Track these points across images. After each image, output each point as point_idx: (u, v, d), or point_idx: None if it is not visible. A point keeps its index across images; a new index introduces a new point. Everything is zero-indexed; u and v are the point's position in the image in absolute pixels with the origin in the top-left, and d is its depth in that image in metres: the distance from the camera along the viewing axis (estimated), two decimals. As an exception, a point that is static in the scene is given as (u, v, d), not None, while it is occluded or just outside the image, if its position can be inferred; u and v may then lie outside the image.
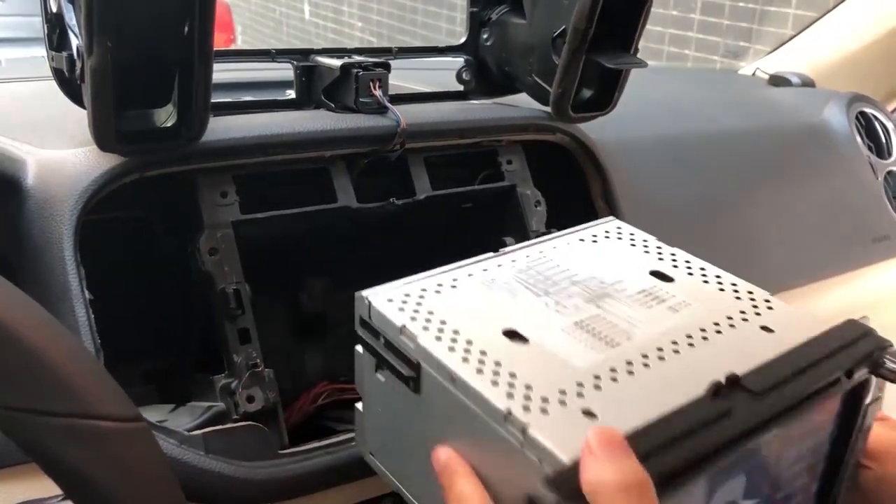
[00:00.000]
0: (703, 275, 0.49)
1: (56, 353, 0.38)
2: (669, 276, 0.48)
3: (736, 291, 0.47)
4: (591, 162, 0.77)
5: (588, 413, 0.36)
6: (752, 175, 0.97)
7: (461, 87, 0.79)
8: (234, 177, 0.61)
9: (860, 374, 0.40)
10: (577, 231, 0.53)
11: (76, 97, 0.57)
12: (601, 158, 0.77)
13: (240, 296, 0.58)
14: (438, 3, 3.82)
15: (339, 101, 0.69)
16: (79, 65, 0.53)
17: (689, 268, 0.49)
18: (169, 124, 0.56)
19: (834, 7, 1.30)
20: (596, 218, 0.77)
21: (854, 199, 1.06)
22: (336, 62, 0.68)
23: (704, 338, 0.42)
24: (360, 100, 0.67)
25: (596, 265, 0.49)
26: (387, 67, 0.68)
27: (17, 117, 0.71)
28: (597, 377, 0.39)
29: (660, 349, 0.41)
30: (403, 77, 0.78)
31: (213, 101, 0.56)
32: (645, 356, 0.40)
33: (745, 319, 0.44)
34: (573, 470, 0.33)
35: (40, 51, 0.59)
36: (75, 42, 0.53)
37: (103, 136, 0.54)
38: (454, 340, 0.41)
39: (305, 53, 0.71)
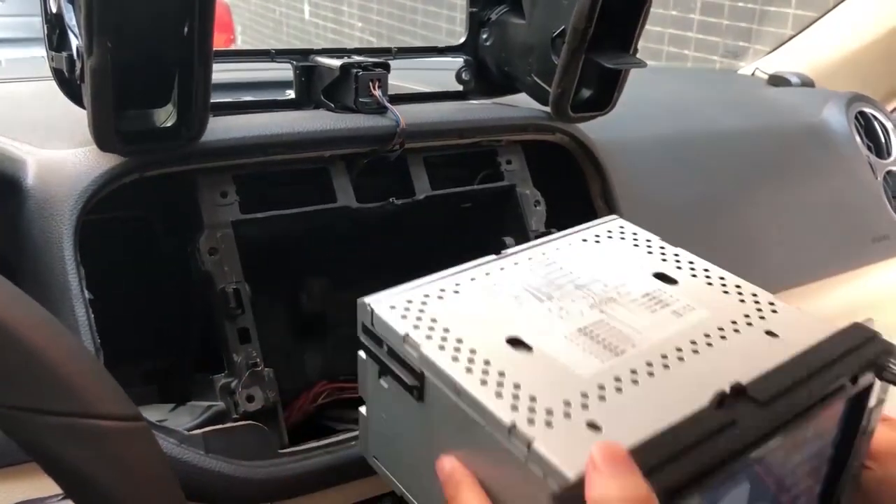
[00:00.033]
0: (707, 276, 0.48)
1: (56, 352, 0.38)
2: (673, 279, 0.48)
3: (740, 294, 0.47)
4: (590, 162, 0.77)
5: (593, 425, 0.36)
6: (752, 175, 0.98)
7: (461, 87, 0.79)
8: (233, 177, 0.61)
9: (865, 380, 0.40)
10: (579, 231, 0.53)
11: (76, 97, 0.57)
12: (600, 158, 0.77)
13: (239, 295, 0.58)
14: (438, 4, 3.82)
15: (338, 101, 0.69)
16: (78, 65, 0.53)
17: (692, 269, 0.49)
18: (169, 124, 0.56)
19: (833, 7, 1.30)
20: (595, 218, 0.77)
21: (853, 198, 1.06)
22: (336, 62, 0.68)
23: (709, 344, 0.42)
24: (360, 100, 0.67)
25: (599, 267, 0.48)
26: (386, 67, 0.68)
27: (17, 117, 0.71)
28: (601, 387, 0.38)
29: (664, 356, 0.41)
30: (403, 77, 0.79)
31: (212, 101, 0.56)
32: (649, 364, 0.40)
33: (749, 324, 0.44)
34: (578, 486, 0.33)
35: (40, 51, 0.59)
36: (75, 42, 0.53)
37: (103, 136, 0.54)
38: (457, 349, 0.40)
39: (305, 53, 0.71)
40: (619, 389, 0.38)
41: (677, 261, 0.50)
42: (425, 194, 0.69)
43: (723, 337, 0.43)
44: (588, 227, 0.53)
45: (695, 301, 0.45)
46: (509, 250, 0.49)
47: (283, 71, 0.72)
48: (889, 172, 1.12)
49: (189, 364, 0.65)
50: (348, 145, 0.65)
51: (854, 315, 1.01)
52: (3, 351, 0.36)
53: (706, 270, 0.49)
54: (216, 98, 0.58)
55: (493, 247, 0.73)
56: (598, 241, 0.51)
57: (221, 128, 0.60)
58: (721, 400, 0.36)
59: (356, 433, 0.59)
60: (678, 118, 1.01)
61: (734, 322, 0.44)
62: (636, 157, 0.85)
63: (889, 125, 1.16)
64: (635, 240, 0.52)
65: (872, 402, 0.41)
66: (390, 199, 0.67)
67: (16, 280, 0.40)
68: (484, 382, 0.38)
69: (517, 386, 0.38)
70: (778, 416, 0.36)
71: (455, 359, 0.40)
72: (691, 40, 2.75)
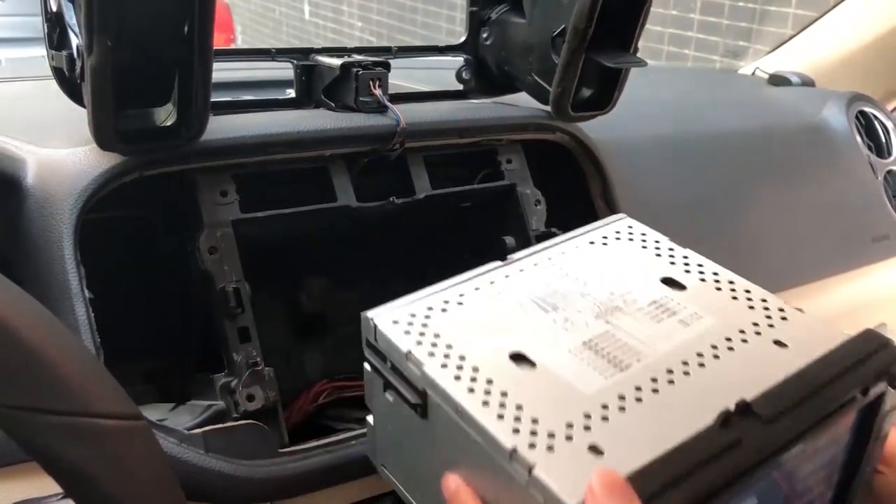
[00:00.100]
0: (716, 281, 0.47)
1: (56, 351, 0.38)
2: (681, 284, 0.47)
3: (749, 300, 0.45)
4: (590, 161, 0.77)
5: (594, 449, 0.36)
6: (752, 175, 0.98)
7: (461, 87, 0.79)
8: (233, 176, 0.61)
9: (877, 389, 0.39)
10: (587, 232, 0.51)
11: (76, 96, 0.57)
12: (601, 158, 0.77)
13: (239, 294, 0.58)
14: (438, 3, 3.82)
15: (338, 100, 0.69)
16: (79, 64, 0.53)
17: (701, 273, 0.48)
18: (169, 123, 0.56)
19: (834, 6, 1.30)
20: (595, 218, 0.77)
21: (854, 198, 1.06)
22: (336, 61, 0.68)
23: (716, 356, 0.41)
24: (360, 99, 0.67)
25: (606, 273, 0.47)
26: (386, 67, 0.68)
27: (17, 116, 0.71)
28: (604, 406, 0.38)
29: (669, 371, 0.40)
30: (403, 76, 0.78)
31: (212, 100, 0.56)
32: (654, 380, 0.39)
33: (757, 333, 0.43)
34: None
35: (40, 50, 0.59)
36: (75, 41, 0.53)
37: (103, 135, 0.54)
38: (460, 367, 0.40)
39: (305, 52, 0.71)
40: (622, 409, 0.38)
41: (686, 264, 0.48)
42: (425, 193, 0.69)
43: (730, 348, 0.42)
44: (595, 228, 0.52)
45: (703, 308, 0.45)
46: (515, 255, 0.49)
47: (284, 70, 0.72)
48: (889, 172, 1.12)
49: (189, 363, 0.65)
50: (348, 144, 0.65)
51: (855, 315, 1.01)
52: (3, 350, 0.36)
53: (715, 274, 0.48)
54: (216, 97, 0.58)
55: (494, 246, 0.73)
56: (605, 244, 0.50)
57: (221, 127, 0.60)
58: (726, 419, 0.35)
59: (356, 433, 0.59)
60: (678, 118, 1.01)
61: (742, 331, 0.43)
62: (636, 157, 0.85)
63: (889, 125, 1.16)
64: (643, 241, 0.51)
65: (886, 408, 0.40)
66: (390, 199, 0.67)
67: (16, 279, 0.40)
68: (486, 403, 0.38)
69: (519, 407, 0.38)
70: (784, 434, 0.35)
71: (457, 377, 0.39)
72: (691, 40, 2.75)
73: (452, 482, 0.40)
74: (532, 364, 0.40)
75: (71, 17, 0.54)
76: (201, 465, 0.52)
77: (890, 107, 1.25)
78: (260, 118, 0.65)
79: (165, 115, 0.56)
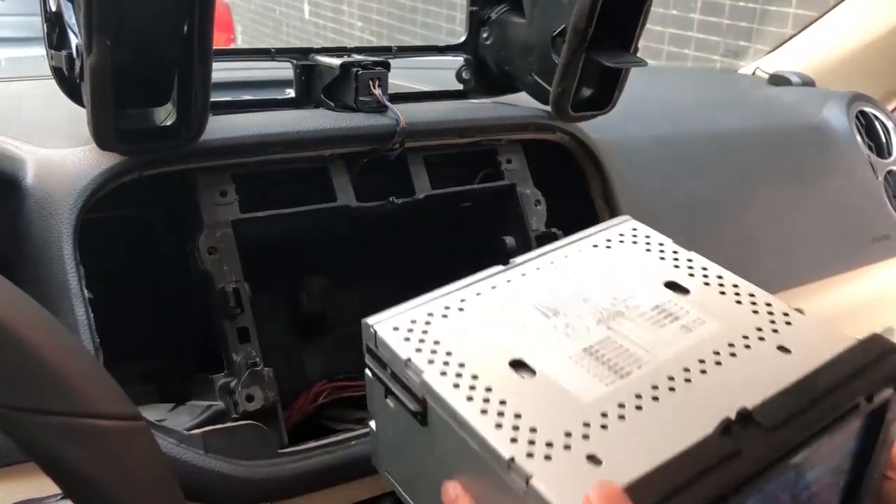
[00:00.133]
0: (721, 284, 0.46)
1: (55, 351, 0.38)
2: (685, 288, 0.46)
3: (754, 304, 0.45)
4: (590, 161, 0.77)
5: (593, 458, 0.36)
6: (752, 174, 0.97)
7: (461, 87, 0.79)
8: (233, 176, 0.61)
9: (883, 396, 0.38)
10: (591, 235, 0.51)
11: (75, 96, 0.57)
12: (601, 158, 0.77)
13: (239, 295, 0.58)
14: (438, 3, 3.82)
15: (338, 100, 0.69)
16: (78, 63, 0.53)
17: (705, 276, 0.47)
18: (168, 123, 0.56)
19: (834, 6, 1.30)
20: (595, 218, 0.77)
21: (854, 198, 1.06)
22: (335, 61, 0.68)
23: (718, 363, 0.41)
24: (360, 99, 0.67)
25: (609, 277, 0.47)
26: (386, 66, 0.68)
27: (16, 116, 0.71)
28: (604, 415, 0.38)
29: (671, 378, 0.40)
30: (403, 76, 0.78)
31: (212, 100, 0.56)
32: (654, 387, 0.39)
33: (761, 338, 0.42)
34: None
35: (40, 50, 0.58)
36: (75, 41, 0.53)
37: (102, 135, 0.53)
38: (459, 375, 0.40)
39: (305, 52, 0.71)
40: (621, 417, 0.38)
41: (690, 267, 0.48)
42: (425, 193, 0.69)
43: (733, 354, 0.41)
44: (599, 231, 0.51)
45: (706, 313, 0.44)
46: (518, 259, 0.48)
47: (283, 70, 0.72)
48: (890, 172, 1.12)
49: (188, 363, 0.65)
50: (348, 144, 0.65)
51: (855, 315, 1.01)
52: (3, 350, 0.36)
53: (720, 277, 0.47)
54: (216, 97, 0.58)
55: (494, 246, 0.73)
56: (609, 247, 0.50)
57: (221, 127, 0.60)
58: (726, 427, 0.35)
59: (356, 433, 0.59)
60: (679, 118, 1.01)
61: (746, 337, 0.42)
62: (637, 157, 0.85)
63: (890, 125, 1.16)
64: (647, 244, 0.50)
65: (892, 413, 0.39)
66: (390, 199, 0.67)
67: (15, 279, 0.40)
68: (484, 412, 0.38)
69: (518, 415, 0.37)
70: (786, 444, 0.35)
71: (456, 385, 0.39)
72: (692, 40, 2.75)
73: (452, 489, 0.40)
74: (532, 371, 0.40)
75: (70, 17, 0.54)
76: (200, 466, 0.52)
77: (890, 107, 1.25)
78: (259, 118, 0.65)
79: (165, 115, 0.56)
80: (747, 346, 0.42)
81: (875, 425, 0.39)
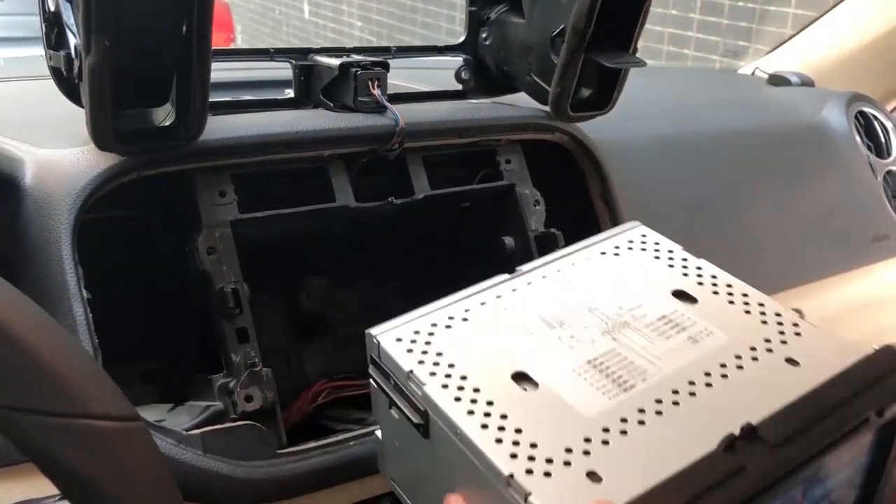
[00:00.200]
0: (730, 293, 0.46)
1: (53, 352, 0.38)
2: (693, 297, 0.46)
3: (763, 314, 0.44)
4: (590, 161, 0.77)
5: (593, 475, 0.35)
6: (752, 175, 0.97)
7: (460, 87, 0.79)
8: (232, 176, 0.61)
9: (894, 410, 0.37)
10: (599, 241, 0.50)
11: (74, 96, 0.57)
12: (600, 158, 0.77)
13: (238, 295, 0.58)
14: (438, 3, 3.82)
15: (337, 100, 0.69)
16: (77, 64, 0.53)
17: (714, 285, 0.46)
18: (167, 123, 0.56)
19: (833, 6, 1.30)
20: (595, 218, 0.77)
21: (853, 198, 1.06)
22: (335, 61, 0.68)
23: (724, 375, 0.40)
24: (359, 99, 0.67)
25: (615, 285, 0.46)
26: (385, 67, 0.68)
27: (15, 116, 0.71)
28: (605, 429, 0.37)
29: (675, 391, 0.39)
30: (402, 76, 0.78)
31: (211, 100, 0.56)
32: (658, 401, 0.39)
33: (769, 350, 0.42)
34: None
35: (38, 50, 0.58)
36: (73, 41, 0.53)
37: (101, 136, 0.53)
38: (461, 388, 0.40)
39: (304, 52, 0.70)
40: (623, 432, 0.37)
41: (699, 275, 0.47)
42: (424, 194, 0.69)
43: (739, 367, 0.41)
44: (608, 237, 0.51)
45: (714, 324, 0.43)
46: (524, 267, 0.48)
47: (283, 70, 0.72)
48: (889, 172, 1.12)
49: (187, 364, 0.65)
50: (347, 144, 0.65)
51: (855, 315, 1.01)
52: (1, 351, 0.36)
53: (729, 286, 0.46)
54: (215, 97, 0.58)
55: (493, 247, 0.73)
56: (616, 254, 0.49)
57: (220, 127, 0.60)
58: (730, 443, 0.34)
59: (355, 433, 0.59)
60: (678, 118, 1.00)
61: (753, 348, 0.42)
62: (636, 157, 0.85)
63: (889, 125, 1.16)
64: (657, 251, 0.49)
65: None
66: (389, 199, 0.67)
67: (13, 280, 0.40)
68: (485, 427, 0.38)
69: (519, 430, 0.37)
70: (791, 460, 0.34)
71: (458, 399, 0.39)
72: (691, 40, 2.75)
73: (454, 502, 0.39)
74: (534, 384, 0.40)
75: (69, 17, 0.54)
76: (199, 466, 0.52)
77: (889, 107, 1.25)
78: (258, 118, 0.65)
79: (164, 115, 0.56)
80: (755, 359, 0.41)
81: (887, 440, 0.39)
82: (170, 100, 0.56)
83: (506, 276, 0.47)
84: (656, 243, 0.50)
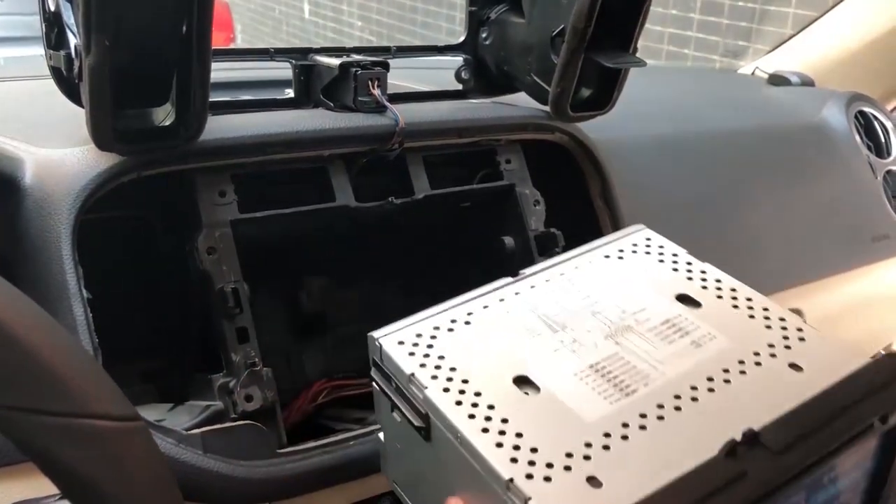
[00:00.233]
0: (734, 298, 0.46)
1: (54, 352, 0.38)
2: (697, 301, 0.45)
3: (767, 319, 0.44)
4: (590, 161, 0.77)
5: (593, 480, 0.35)
6: (751, 174, 0.97)
7: (460, 87, 0.79)
8: (232, 176, 0.61)
9: None
10: (603, 245, 0.50)
11: (74, 96, 0.57)
12: (600, 158, 0.77)
13: (238, 295, 0.58)
14: (438, 3, 3.82)
15: (337, 100, 0.69)
16: (77, 63, 0.53)
17: (718, 289, 0.46)
18: (167, 123, 0.56)
19: (833, 6, 1.30)
20: (594, 218, 0.77)
21: (853, 198, 1.06)
22: (335, 61, 0.68)
23: (726, 380, 0.40)
24: (359, 99, 0.67)
25: (619, 289, 0.46)
26: (385, 66, 0.68)
27: (15, 116, 0.71)
28: (607, 434, 0.37)
29: (677, 396, 0.39)
30: (402, 76, 0.78)
31: (211, 99, 0.56)
32: (660, 406, 0.39)
33: (773, 355, 0.42)
34: None
35: (38, 50, 0.58)
36: (73, 41, 0.53)
37: (101, 135, 0.53)
38: (462, 392, 0.40)
39: (304, 52, 0.70)
40: (625, 437, 0.37)
41: (703, 279, 0.47)
42: (424, 193, 0.69)
43: (742, 372, 0.41)
44: (612, 241, 0.50)
45: (717, 328, 0.43)
46: (528, 270, 0.48)
47: (283, 70, 0.72)
48: (889, 172, 1.12)
49: (187, 363, 0.65)
50: (347, 144, 0.65)
51: (854, 314, 1.01)
52: (1, 351, 0.36)
53: (733, 290, 0.46)
54: (215, 97, 0.58)
55: (493, 246, 0.73)
56: (621, 258, 0.49)
57: (220, 127, 0.60)
58: (731, 449, 0.34)
59: (355, 433, 0.59)
60: (678, 118, 1.00)
61: (757, 353, 0.42)
62: (636, 157, 0.85)
63: (889, 125, 1.16)
64: (661, 255, 0.49)
65: None
66: (389, 199, 0.67)
67: (13, 280, 0.40)
68: (486, 430, 0.38)
69: (519, 434, 0.37)
70: (794, 466, 0.34)
71: (459, 402, 0.39)
72: (691, 39, 2.75)
73: None
74: (536, 388, 0.40)
75: (69, 17, 0.54)
76: (199, 466, 0.52)
77: (889, 107, 1.25)
78: (258, 118, 0.65)
79: (164, 115, 0.56)
80: (758, 364, 0.41)
81: (891, 446, 0.38)
82: (170, 99, 0.56)
83: (509, 279, 0.47)
84: (661, 247, 0.50)
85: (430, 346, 0.42)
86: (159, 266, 0.66)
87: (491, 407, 0.39)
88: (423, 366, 0.41)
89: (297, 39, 4.89)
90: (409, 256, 0.76)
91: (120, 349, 0.54)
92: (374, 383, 0.45)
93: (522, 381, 0.40)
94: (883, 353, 0.39)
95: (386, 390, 0.43)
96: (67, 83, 0.56)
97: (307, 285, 0.72)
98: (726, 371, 0.41)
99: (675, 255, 0.49)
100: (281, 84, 0.75)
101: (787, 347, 0.42)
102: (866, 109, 1.15)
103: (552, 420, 0.38)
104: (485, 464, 0.37)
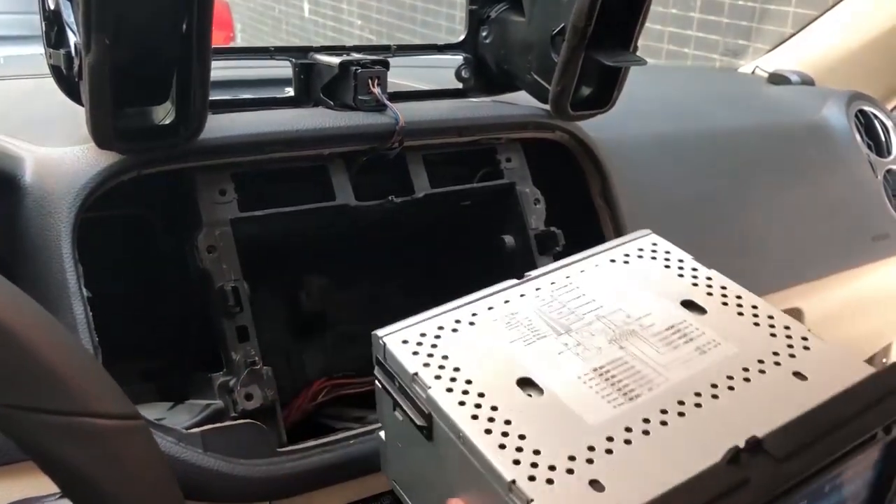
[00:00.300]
0: (739, 305, 0.46)
1: (53, 350, 0.38)
2: (702, 307, 0.45)
3: (772, 326, 0.44)
4: (590, 160, 0.77)
5: (595, 484, 0.35)
6: (752, 174, 0.97)
7: (460, 85, 0.79)
8: (232, 174, 0.61)
9: None
10: (609, 249, 0.50)
11: (74, 94, 0.57)
12: (600, 156, 0.77)
13: (238, 293, 0.58)
14: (438, 2, 3.81)
15: (337, 98, 0.69)
16: (77, 62, 0.53)
17: (724, 296, 0.46)
18: (167, 122, 0.56)
19: (833, 5, 1.30)
20: (595, 217, 0.77)
21: (853, 197, 1.06)
22: (335, 60, 0.68)
23: (730, 387, 0.40)
24: (359, 97, 0.67)
25: (624, 293, 0.46)
26: (385, 65, 0.68)
27: (15, 115, 0.71)
28: (609, 438, 0.37)
29: (681, 402, 0.39)
30: (402, 75, 0.78)
31: (211, 98, 0.56)
32: (664, 411, 0.39)
33: (777, 363, 0.42)
34: None
35: (38, 48, 0.58)
36: (73, 39, 0.53)
37: (101, 134, 0.53)
38: (465, 392, 0.40)
39: (304, 51, 0.70)
40: (628, 441, 0.37)
41: (709, 286, 0.47)
42: (424, 192, 0.69)
43: (746, 379, 0.41)
44: (618, 245, 0.50)
45: (722, 335, 0.43)
46: (533, 273, 0.48)
47: (283, 68, 0.72)
48: (889, 171, 1.12)
49: (187, 362, 0.65)
50: (347, 143, 0.65)
51: (855, 313, 1.01)
52: (1, 349, 0.36)
53: (738, 297, 0.46)
54: (215, 95, 0.58)
55: (493, 245, 0.73)
56: (626, 262, 0.49)
57: (220, 125, 0.60)
58: (734, 456, 0.34)
59: (355, 432, 0.59)
60: (678, 116, 1.00)
61: (761, 361, 0.42)
62: (636, 156, 0.85)
63: (889, 124, 1.16)
64: (666, 260, 0.49)
65: None
66: (389, 198, 0.67)
67: (13, 278, 0.40)
68: (489, 431, 0.38)
69: (522, 436, 0.37)
70: (797, 473, 0.33)
71: (462, 403, 0.39)
72: (691, 38, 2.75)
73: None
74: (539, 390, 0.40)
75: (69, 16, 0.54)
76: (199, 465, 0.52)
77: (889, 106, 1.25)
78: (258, 117, 0.65)
79: (164, 114, 0.56)
80: (762, 371, 0.41)
81: (894, 457, 0.38)
82: (170, 98, 0.56)
83: (514, 280, 0.47)
84: (667, 252, 0.50)
85: (433, 346, 0.42)
86: (159, 265, 0.66)
87: (494, 408, 0.39)
88: (426, 365, 0.41)
89: (296, 38, 4.89)
90: (409, 255, 0.76)
91: (120, 348, 0.54)
92: (376, 382, 0.45)
93: (526, 383, 0.40)
94: (884, 360, 0.39)
95: (389, 389, 0.43)
96: (67, 82, 0.56)
97: (307, 284, 0.72)
98: (730, 378, 0.41)
99: (680, 260, 0.49)
100: (281, 83, 0.75)
101: (792, 356, 0.42)
102: (866, 108, 1.15)
103: (555, 423, 0.38)
104: (487, 464, 0.37)
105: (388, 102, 0.67)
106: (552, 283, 0.47)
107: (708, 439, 0.37)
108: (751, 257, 0.92)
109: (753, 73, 1.34)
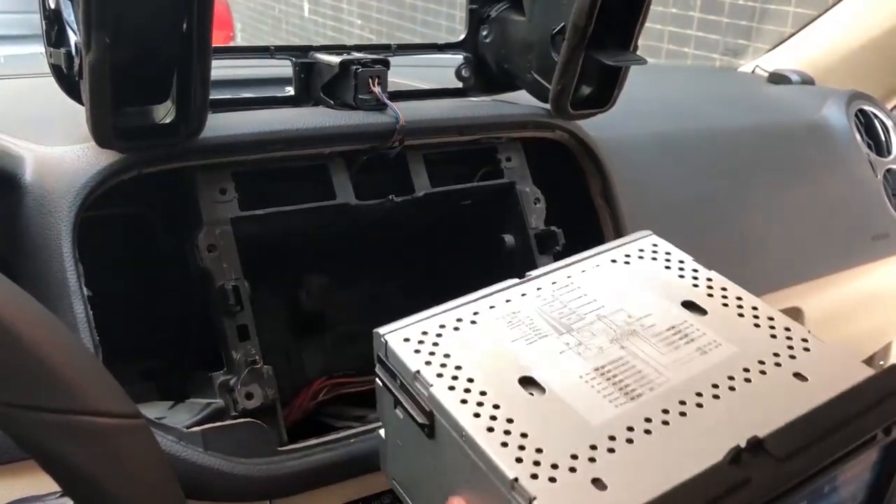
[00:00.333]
0: (739, 306, 0.46)
1: (54, 349, 0.38)
2: (702, 308, 0.46)
3: (772, 328, 0.44)
4: (590, 159, 0.77)
5: (598, 482, 0.35)
6: (752, 173, 0.97)
7: (460, 84, 0.79)
8: (232, 173, 0.61)
9: None
10: (610, 249, 0.50)
11: (74, 93, 0.57)
12: (600, 156, 0.77)
13: (238, 292, 0.58)
14: (438, 1, 3.81)
15: (338, 97, 0.69)
16: (77, 61, 0.53)
17: (724, 297, 0.46)
18: (167, 121, 0.56)
19: (833, 5, 1.30)
20: (595, 216, 0.77)
21: (853, 196, 1.06)
22: (335, 59, 0.68)
23: (731, 388, 0.40)
24: (359, 96, 0.67)
25: (625, 294, 0.46)
26: (386, 64, 0.68)
27: (15, 114, 0.71)
28: (611, 437, 0.37)
29: (682, 402, 0.39)
30: (403, 74, 0.78)
31: (211, 97, 0.56)
32: (665, 411, 0.39)
33: (777, 364, 0.42)
34: None
35: (39, 47, 0.58)
36: (73, 38, 0.53)
37: (101, 133, 0.53)
38: (467, 391, 0.40)
39: (304, 50, 0.70)
40: (630, 441, 0.37)
41: (709, 287, 0.47)
42: (425, 191, 0.69)
43: (747, 380, 0.41)
44: (619, 246, 0.51)
45: (723, 336, 0.44)
46: (534, 272, 0.48)
47: (283, 68, 0.72)
48: (889, 170, 1.12)
49: (188, 361, 0.65)
50: (347, 142, 0.65)
51: (854, 312, 1.01)
52: (1, 348, 0.36)
53: (739, 299, 0.46)
54: (215, 94, 0.58)
55: (493, 244, 0.73)
56: (627, 263, 0.49)
57: (220, 124, 0.60)
58: (736, 456, 0.34)
59: (355, 430, 0.59)
60: (678, 116, 1.00)
61: (762, 362, 0.42)
62: (636, 155, 0.85)
63: (889, 123, 1.16)
64: (667, 261, 0.49)
65: None
66: (389, 197, 0.67)
67: (14, 277, 0.40)
68: (491, 429, 0.38)
69: (524, 435, 0.37)
70: (797, 474, 0.34)
71: (464, 401, 0.39)
72: (691, 38, 2.75)
73: None
74: (541, 389, 0.40)
75: (69, 15, 0.54)
76: (200, 464, 0.52)
77: (889, 105, 1.25)
78: (259, 116, 0.65)
79: (164, 113, 0.56)
80: (763, 372, 0.41)
81: (892, 458, 0.39)
82: (170, 97, 0.56)
83: (515, 280, 0.47)
84: (667, 253, 0.50)
85: (435, 344, 0.42)
86: (160, 264, 0.66)
87: (496, 406, 0.39)
88: (428, 363, 0.41)
89: (296, 38, 4.89)
90: (410, 254, 0.76)
91: (120, 347, 0.54)
92: (377, 380, 0.45)
93: (528, 382, 0.40)
94: (883, 360, 0.39)
95: (390, 387, 0.43)
96: (68, 81, 0.56)
97: (307, 283, 0.72)
98: (731, 378, 0.41)
99: (681, 261, 0.50)
100: (281, 82, 0.75)
101: (792, 357, 0.42)
102: (866, 108, 1.15)
103: (557, 421, 0.38)
104: (489, 462, 0.37)
105: (388, 101, 0.67)
106: (553, 283, 0.47)
107: (709, 439, 0.37)
108: (751, 256, 0.92)
109: (753, 72, 1.35)
